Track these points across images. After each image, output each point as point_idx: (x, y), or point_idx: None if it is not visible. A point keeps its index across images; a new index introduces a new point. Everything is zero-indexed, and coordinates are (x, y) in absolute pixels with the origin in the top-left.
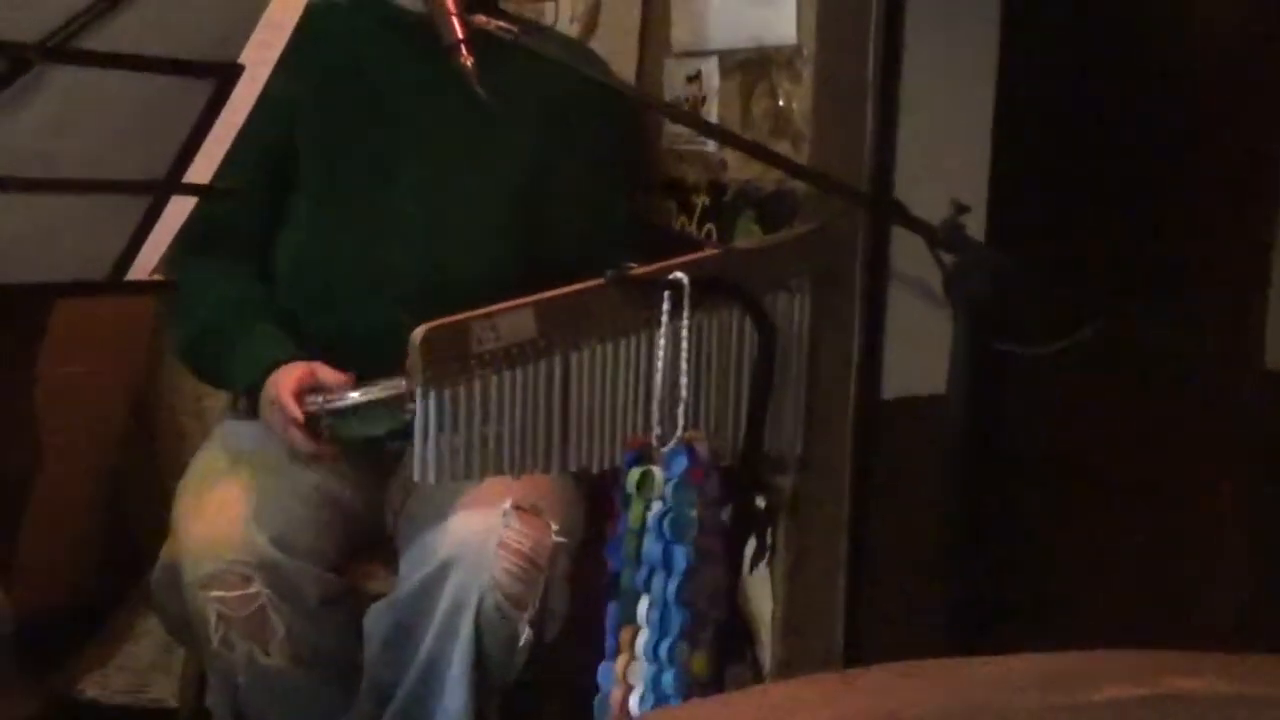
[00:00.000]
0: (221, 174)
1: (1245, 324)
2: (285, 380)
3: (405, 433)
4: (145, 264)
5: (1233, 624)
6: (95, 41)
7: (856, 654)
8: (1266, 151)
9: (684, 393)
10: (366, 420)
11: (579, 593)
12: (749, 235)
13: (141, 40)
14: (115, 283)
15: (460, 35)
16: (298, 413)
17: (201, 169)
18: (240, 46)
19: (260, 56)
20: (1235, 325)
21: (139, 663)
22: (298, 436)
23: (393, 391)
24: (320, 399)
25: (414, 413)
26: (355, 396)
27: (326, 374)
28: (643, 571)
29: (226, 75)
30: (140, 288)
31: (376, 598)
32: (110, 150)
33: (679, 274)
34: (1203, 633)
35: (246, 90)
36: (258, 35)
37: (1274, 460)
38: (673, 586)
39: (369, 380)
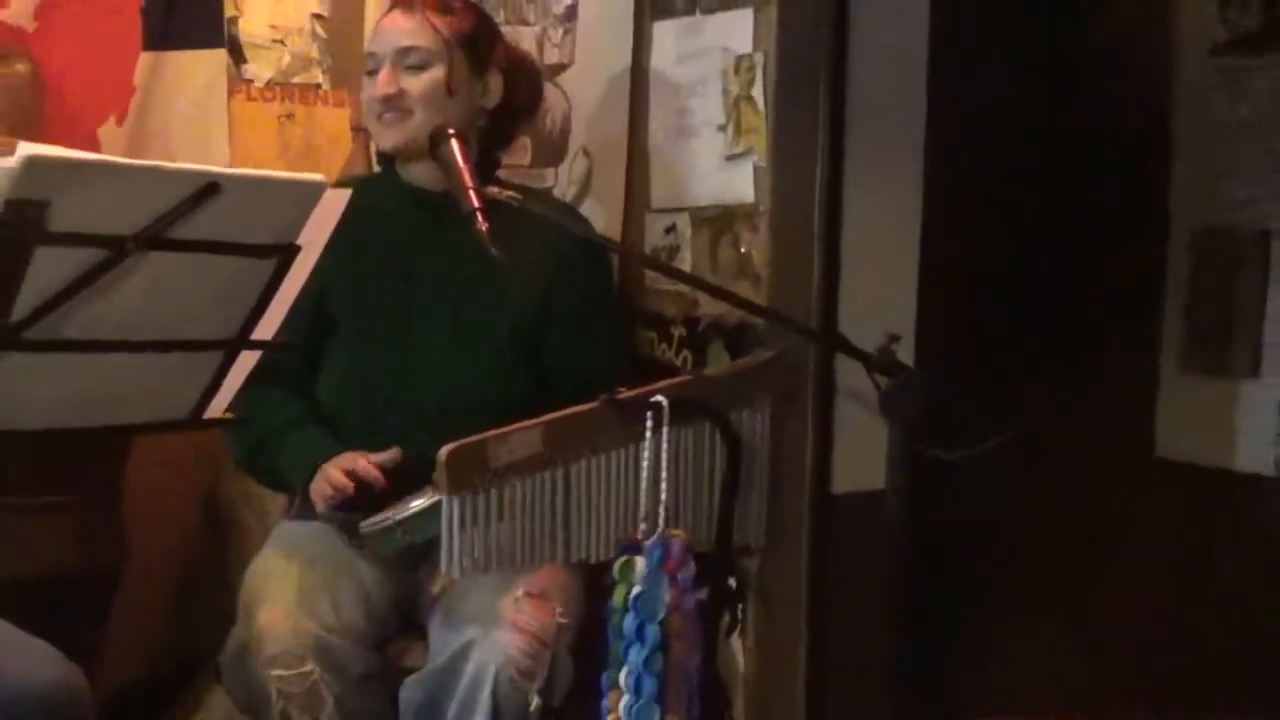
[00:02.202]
0: (282, 331)
1: (1138, 420)
2: (328, 468)
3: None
4: (220, 404)
5: (1138, 678)
6: (181, 231)
7: (816, 710)
8: (1151, 280)
9: (664, 494)
10: (416, 530)
11: (581, 664)
12: (719, 361)
13: (218, 229)
14: (195, 421)
15: (476, 204)
16: (340, 480)
17: (267, 326)
18: (299, 230)
19: (314, 237)
20: (1130, 421)
21: None
22: (328, 493)
23: (429, 502)
24: (367, 522)
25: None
26: (400, 510)
27: (361, 464)
28: (623, 644)
29: (287, 254)
30: (215, 424)
31: (410, 672)
32: (193, 314)
33: (659, 397)
34: (1114, 685)
35: (303, 263)
36: (312, 219)
37: (1165, 534)
38: (641, 657)
39: (406, 492)
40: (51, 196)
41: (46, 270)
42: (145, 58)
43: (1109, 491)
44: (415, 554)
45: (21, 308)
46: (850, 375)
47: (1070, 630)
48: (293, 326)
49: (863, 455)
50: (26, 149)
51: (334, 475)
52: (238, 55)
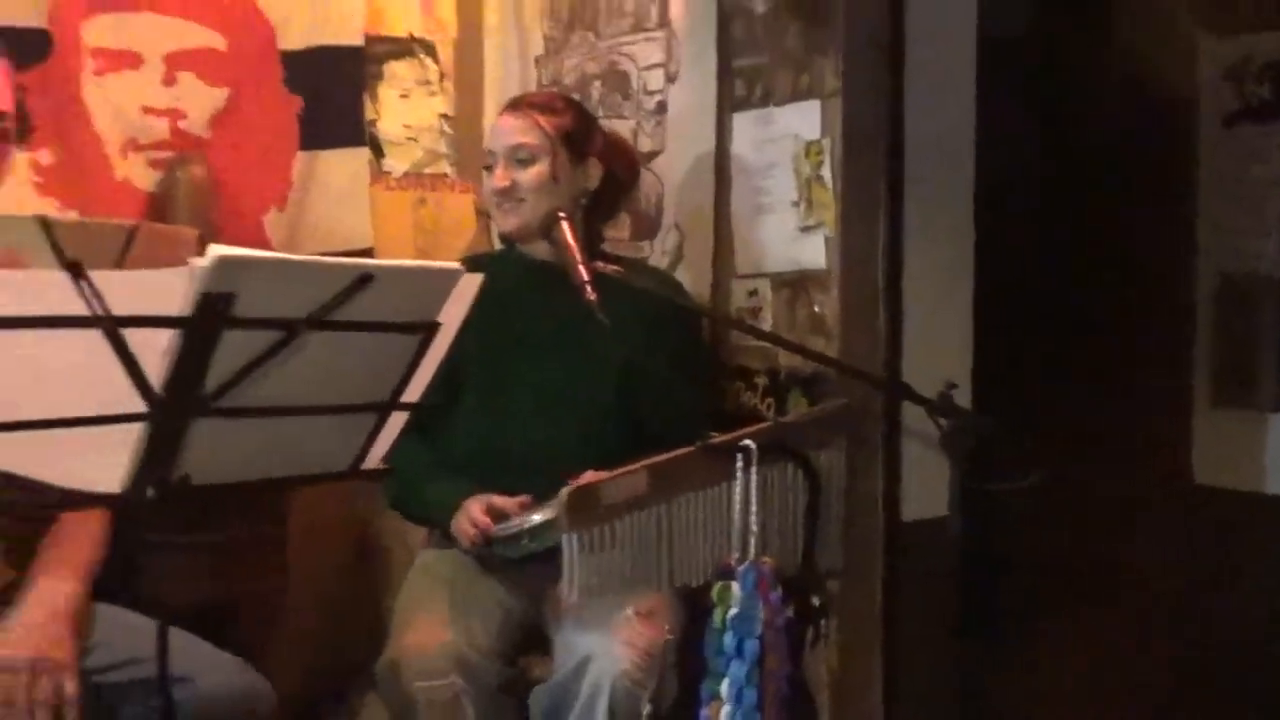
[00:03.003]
0: (427, 395)
1: (1176, 450)
2: (469, 504)
3: (554, 551)
4: (374, 457)
5: (1163, 684)
6: (342, 313)
7: (891, 713)
8: (1183, 324)
9: (754, 526)
10: (538, 539)
11: (683, 673)
12: (798, 407)
13: (373, 310)
14: (354, 471)
15: (586, 277)
16: (481, 519)
17: (414, 391)
18: (439, 309)
19: (453, 315)
20: (1169, 452)
21: None
22: (470, 532)
23: (551, 516)
24: (499, 527)
25: (562, 533)
26: (526, 521)
27: (498, 500)
28: (723, 659)
29: (430, 330)
30: (370, 475)
31: (538, 682)
32: (352, 382)
33: (747, 441)
34: (1157, 689)
35: (444, 337)
36: (451, 299)
37: (1204, 550)
38: (744, 670)
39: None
40: (237, 288)
41: (233, 349)
42: (301, 156)
43: (1152, 514)
44: (543, 580)
45: (212, 381)
46: (914, 418)
47: (1116, 639)
48: (432, 387)
49: (927, 487)
50: (216, 250)
51: (475, 514)
52: (377, 151)
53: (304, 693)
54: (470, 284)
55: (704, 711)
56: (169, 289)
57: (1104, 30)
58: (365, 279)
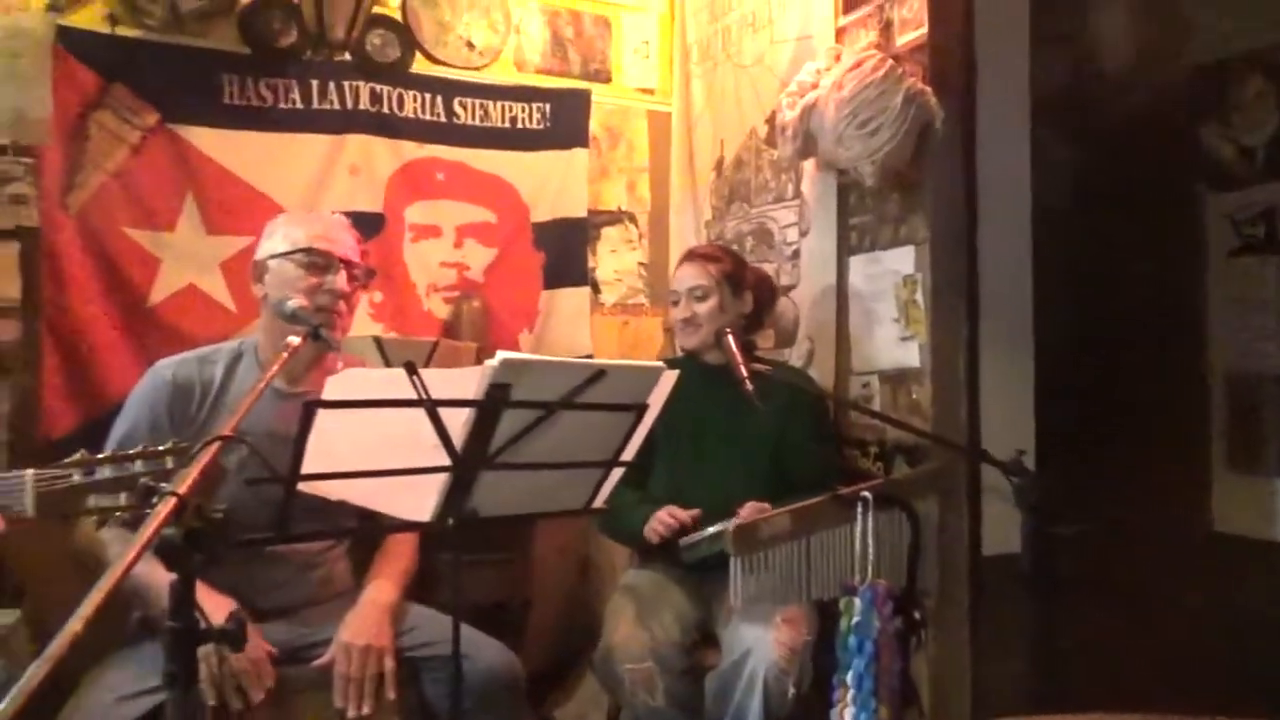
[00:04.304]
0: (637, 455)
1: (1200, 505)
2: (659, 513)
3: (722, 567)
4: (600, 499)
5: (1190, 674)
6: (583, 397)
7: (977, 701)
8: (1202, 409)
9: (871, 556)
10: (712, 545)
11: (818, 665)
12: (902, 469)
13: (603, 395)
14: (586, 510)
15: (746, 375)
16: (667, 518)
17: (628, 452)
18: (648, 395)
19: (657, 399)
20: (1194, 506)
21: (584, 702)
22: (659, 529)
23: (721, 529)
24: (684, 540)
25: (727, 546)
26: (704, 533)
27: (678, 511)
28: (848, 655)
29: (641, 410)
30: (595, 512)
31: (710, 669)
32: (587, 444)
33: (865, 492)
34: (1184, 693)
35: (650, 415)
36: (656, 389)
37: (1224, 584)
38: (863, 664)
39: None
40: (513, 381)
41: (509, 423)
42: (544, 293)
43: (1181, 554)
44: (712, 590)
45: (495, 444)
46: (991, 476)
47: (1155, 647)
48: (641, 450)
49: (1002, 530)
50: (502, 354)
51: (663, 516)
52: (595, 289)
53: (544, 669)
54: (669, 378)
55: (835, 694)
56: (468, 381)
57: (1132, 191)
58: (599, 374)
